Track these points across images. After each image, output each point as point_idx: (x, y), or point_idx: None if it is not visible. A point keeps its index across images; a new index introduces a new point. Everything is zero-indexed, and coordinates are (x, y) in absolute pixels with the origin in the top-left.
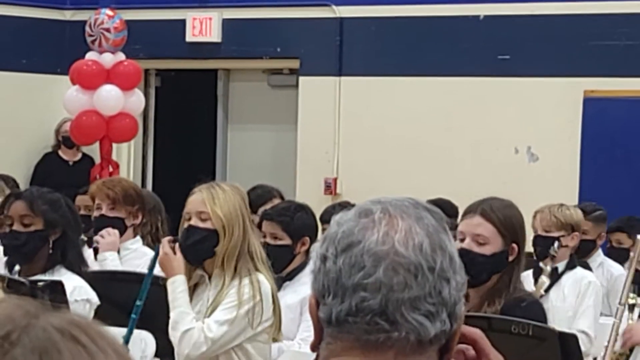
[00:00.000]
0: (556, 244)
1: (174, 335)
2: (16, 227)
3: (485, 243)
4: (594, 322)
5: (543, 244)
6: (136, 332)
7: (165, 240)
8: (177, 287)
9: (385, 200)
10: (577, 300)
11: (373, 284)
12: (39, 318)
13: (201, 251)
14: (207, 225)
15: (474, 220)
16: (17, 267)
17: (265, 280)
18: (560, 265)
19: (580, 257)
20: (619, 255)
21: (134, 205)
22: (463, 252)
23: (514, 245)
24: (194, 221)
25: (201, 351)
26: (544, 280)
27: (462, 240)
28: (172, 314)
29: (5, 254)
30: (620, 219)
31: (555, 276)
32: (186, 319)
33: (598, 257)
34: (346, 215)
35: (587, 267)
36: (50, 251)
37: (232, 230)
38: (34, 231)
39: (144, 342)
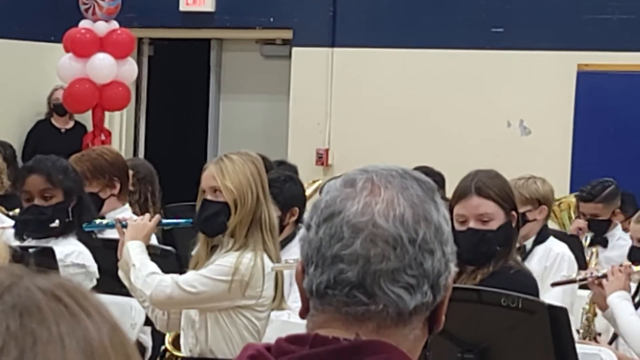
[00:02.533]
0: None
1: (136, 280)
2: (38, 201)
3: (489, 220)
4: (565, 294)
5: None
6: (125, 299)
7: (158, 216)
8: (137, 247)
9: (372, 169)
10: (544, 272)
11: (351, 255)
12: (23, 279)
13: (216, 224)
14: (221, 198)
15: (472, 202)
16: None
17: (269, 262)
18: (529, 242)
19: (596, 236)
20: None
21: (106, 175)
22: (471, 233)
23: (513, 212)
24: (209, 196)
25: (165, 293)
26: None
27: (463, 222)
28: (135, 264)
29: (20, 227)
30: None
31: (524, 253)
32: (149, 265)
33: (617, 232)
34: (333, 183)
35: (605, 242)
36: (69, 219)
37: (244, 201)
38: (56, 204)
39: (133, 309)
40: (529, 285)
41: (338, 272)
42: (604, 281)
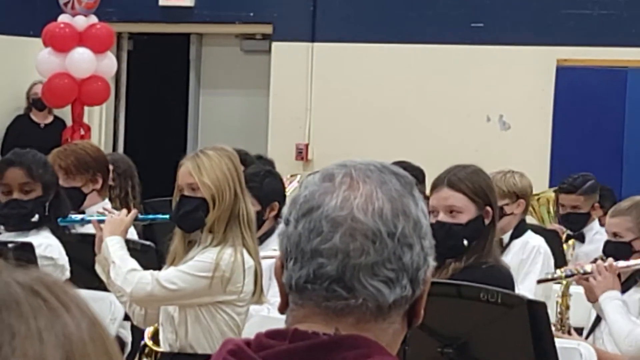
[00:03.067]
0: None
1: (116, 277)
2: (17, 195)
3: (459, 212)
4: (538, 287)
5: None
6: (105, 294)
7: (135, 211)
8: (116, 243)
9: (351, 164)
10: (520, 264)
11: (330, 249)
12: (1, 273)
13: (194, 220)
14: (198, 194)
15: (442, 193)
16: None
17: (248, 258)
18: (506, 236)
19: (574, 230)
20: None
21: (90, 170)
22: (438, 226)
23: (488, 208)
24: (187, 192)
25: (146, 291)
26: None
27: (436, 214)
28: (115, 260)
29: (3, 223)
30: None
31: (501, 246)
32: (130, 262)
33: (595, 226)
34: (312, 178)
35: (582, 237)
36: (47, 213)
37: (221, 196)
38: (36, 198)
39: (113, 304)
40: (503, 279)
41: (317, 266)
42: (592, 280)
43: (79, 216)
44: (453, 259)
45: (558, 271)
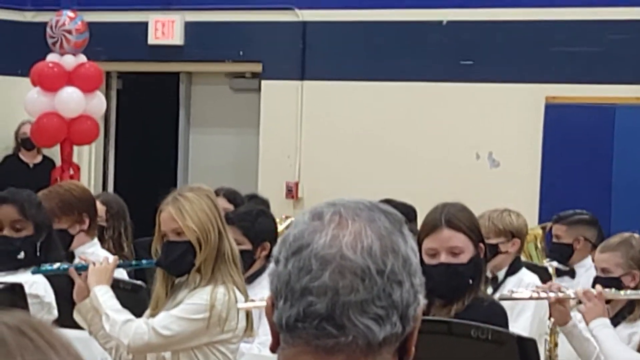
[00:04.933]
0: None
1: (112, 329)
2: (7, 232)
3: (460, 252)
4: (533, 324)
5: None
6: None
7: (115, 258)
8: (104, 293)
9: (340, 202)
10: (514, 302)
11: (319, 287)
12: None
13: (183, 265)
14: (184, 238)
15: (443, 234)
16: None
17: (239, 295)
18: (501, 273)
19: (559, 262)
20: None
21: (75, 212)
22: (443, 268)
23: (481, 244)
24: (171, 237)
25: (144, 340)
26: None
27: (434, 255)
28: (107, 312)
29: None
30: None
31: (495, 284)
32: (123, 312)
33: (587, 262)
34: (301, 217)
35: (572, 272)
36: (38, 253)
37: (207, 237)
38: (25, 237)
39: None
40: (501, 316)
41: (307, 304)
42: (581, 307)
43: (55, 265)
44: (457, 299)
45: (523, 291)
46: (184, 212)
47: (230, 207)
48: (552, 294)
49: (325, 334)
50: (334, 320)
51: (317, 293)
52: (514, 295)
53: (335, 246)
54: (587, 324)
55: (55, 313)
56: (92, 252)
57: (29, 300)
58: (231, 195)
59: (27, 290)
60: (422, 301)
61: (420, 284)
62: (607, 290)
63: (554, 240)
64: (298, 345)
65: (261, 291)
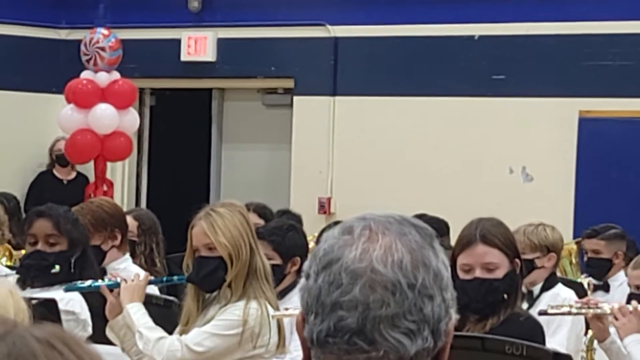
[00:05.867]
0: None
1: (145, 347)
2: (42, 247)
3: (495, 268)
4: (570, 340)
5: None
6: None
7: (146, 274)
8: (137, 310)
9: (370, 216)
10: (551, 318)
11: (350, 302)
12: (17, 328)
13: (215, 280)
14: (216, 253)
15: (478, 250)
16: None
17: (271, 310)
18: (536, 288)
19: (597, 277)
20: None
21: (107, 227)
22: (477, 283)
23: (517, 260)
24: (203, 252)
25: (177, 358)
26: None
27: (468, 271)
28: (140, 330)
29: (22, 272)
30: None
31: (531, 299)
32: (156, 330)
33: (620, 277)
34: (331, 232)
35: (607, 287)
36: (72, 270)
37: (238, 253)
38: (59, 252)
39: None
40: (538, 332)
41: (338, 319)
42: (614, 321)
43: (87, 282)
44: (492, 314)
45: (566, 307)
46: (216, 228)
47: (261, 222)
48: (590, 310)
49: (356, 349)
50: (365, 334)
51: (347, 307)
52: (552, 311)
53: (365, 260)
54: (621, 339)
55: (90, 330)
56: (124, 267)
57: (65, 317)
58: (261, 210)
59: (63, 307)
60: (454, 316)
61: (452, 298)
62: None
63: (592, 255)
64: None
65: (292, 306)
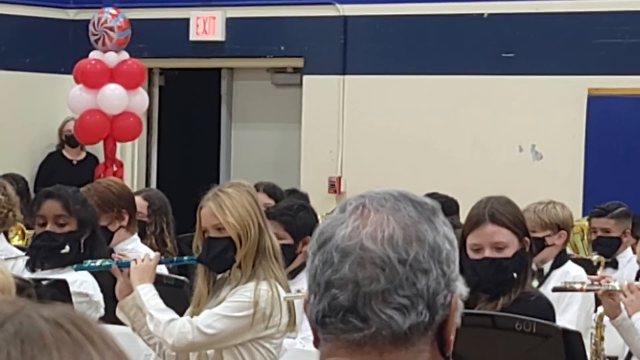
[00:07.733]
0: None
1: (156, 329)
2: (50, 227)
3: (504, 247)
4: (580, 318)
5: None
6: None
7: (157, 254)
8: (148, 292)
9: (367, 194)
10: (560, 295)
11: (341, 279)
12: (25, 308)
13: (224, 261)
14: (225, 234)
15: (487, 230)
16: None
17: (282, 290)
18: (547, 266)
19: (607, 255)
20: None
21: (114, 208)
22: (487, 262)
23: (526, 238)
24: (212, 233)
25: (188, 340)
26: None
27: (478, 250)
28: (151, 312)
29: (32, 254)
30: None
31: (541, 277)
32: (167, 312)
33: (628, 253)
34: (332, 211)
35: (615, 264)
36: (82, 250)
37: (247, 233)
38: (69, 232)
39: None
40: (548, 310)
41: (331, 298)
42: (623, 298)
43: (97, 262)
44: (503, 293)
45: (578, 284)
46: (224, 208)
47: (271, 201)
48: (601, 287)
49: (351, 327)
50: (357, 312)
51: (339, 285)
52: (567, 287)
53: (355, 238)
54: (629, 316)
55: (102, 311)
56: (132, 248)
57: (78, 299)
58: (271, 190)
59: (76, 289)
60: (461, 289)
61: (454, 271)
62: None
63: (602, 234)
64: (330, 340)
65: (303, 286)
